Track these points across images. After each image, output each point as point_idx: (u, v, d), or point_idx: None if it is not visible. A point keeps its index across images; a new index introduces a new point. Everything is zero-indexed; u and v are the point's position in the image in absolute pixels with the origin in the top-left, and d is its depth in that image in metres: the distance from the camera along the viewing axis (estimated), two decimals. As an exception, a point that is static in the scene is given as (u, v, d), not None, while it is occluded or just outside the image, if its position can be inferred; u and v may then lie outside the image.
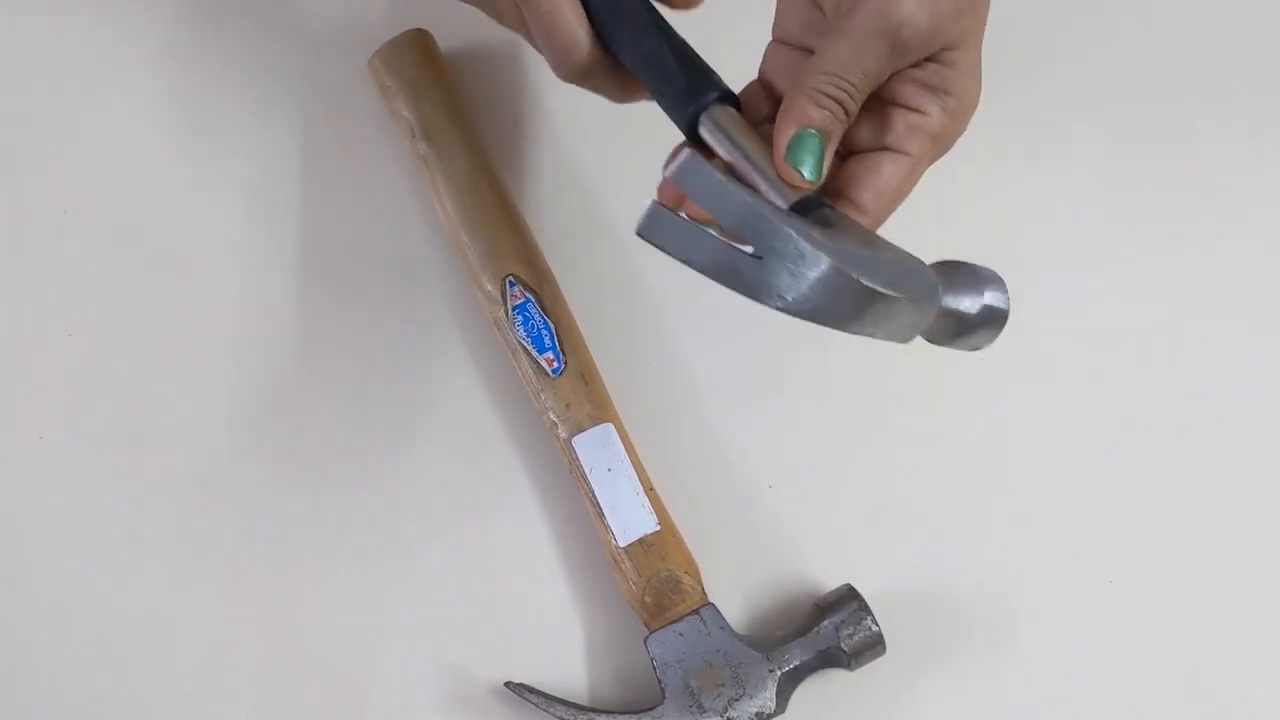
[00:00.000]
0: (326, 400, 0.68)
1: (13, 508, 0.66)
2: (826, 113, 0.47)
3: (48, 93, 0.73)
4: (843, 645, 0.61)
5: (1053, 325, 0.70)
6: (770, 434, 0.68)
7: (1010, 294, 0.48)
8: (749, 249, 0.42)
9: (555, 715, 0.61)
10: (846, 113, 0.48)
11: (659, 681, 0.61)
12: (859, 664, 0.62)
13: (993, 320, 0.48)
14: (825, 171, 0.47)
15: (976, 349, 0.49)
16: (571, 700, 0.62)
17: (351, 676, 0.64)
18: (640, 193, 0.71)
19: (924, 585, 0.66)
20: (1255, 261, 0.72)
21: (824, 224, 0.46)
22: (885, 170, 0.49)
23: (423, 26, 0.72)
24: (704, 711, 0.60)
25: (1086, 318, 0.71)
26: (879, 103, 0.51)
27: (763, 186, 0.48)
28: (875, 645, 0.61)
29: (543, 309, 0.66)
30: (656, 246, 0.43)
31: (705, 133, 0.50)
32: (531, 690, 0.62)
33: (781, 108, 0.48)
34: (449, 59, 0.73)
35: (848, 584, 0.64)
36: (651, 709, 0.61)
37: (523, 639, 0.65)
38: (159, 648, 0.64)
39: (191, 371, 0.69)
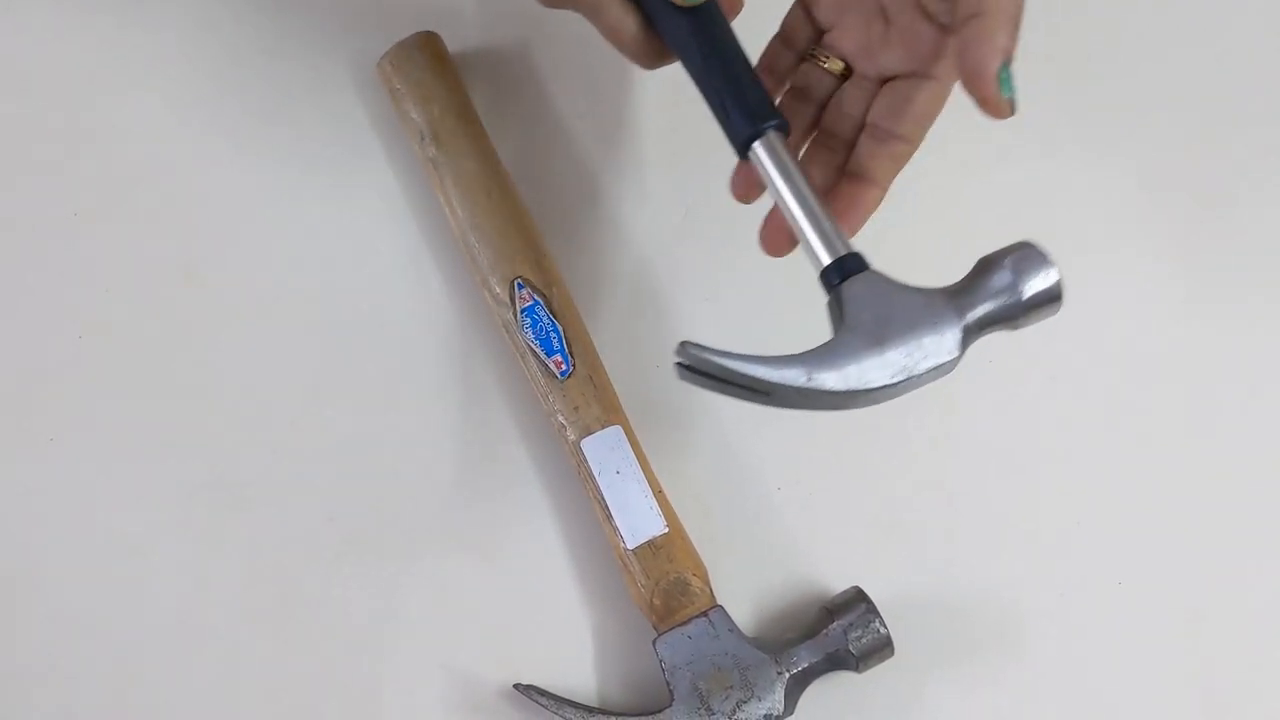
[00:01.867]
0: (334, 402, 0.69)
1: (24, 510, 0.67)
2: (1013, 42, 0.49)
3: (57, 95, 0.73)
4: (851, 648, 0.61)
5: (1062, 329, 0.70)
6: (779, 437, 0.68)
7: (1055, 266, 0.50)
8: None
9: (564, 717, 0.61)
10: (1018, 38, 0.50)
11: (667, 684, 0.61)
12: (867, 666, 0.62)
13: (1043, 304, 0.51)
14: None
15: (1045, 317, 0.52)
16: (580, 702, 0.62)
17: (361, 679, 0.64)
18: (648, 194, 0.72)
19: (933, 588, 0.66)
20: (1269, 266, 0.72)
21: (854, 296, 0.50)
22: (919, 99, 0.54)
23: (432, 29, 0.72)
24: (712, 714, 0.60)
25: (1096, 321, 0.71)
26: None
27: (808, 232, 0.52)
28: (884, 648, 0.62)
29: (551, 311, 0.66)
30: (693, 384, 0.49)
31: (758, 154, 0.53)
32: (540, 692, 0.62)
33: (977, 42, 0.49)
34: (458, 61, 0.73)
35: (856, 586, 0.64)
36: (660, 711, 0.61)
37: (531, 641, 0.65)
38: (171, 650, 0.65)
39: (202, 374, 0.69)
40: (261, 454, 0.68)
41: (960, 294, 0.51)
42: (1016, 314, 0.51)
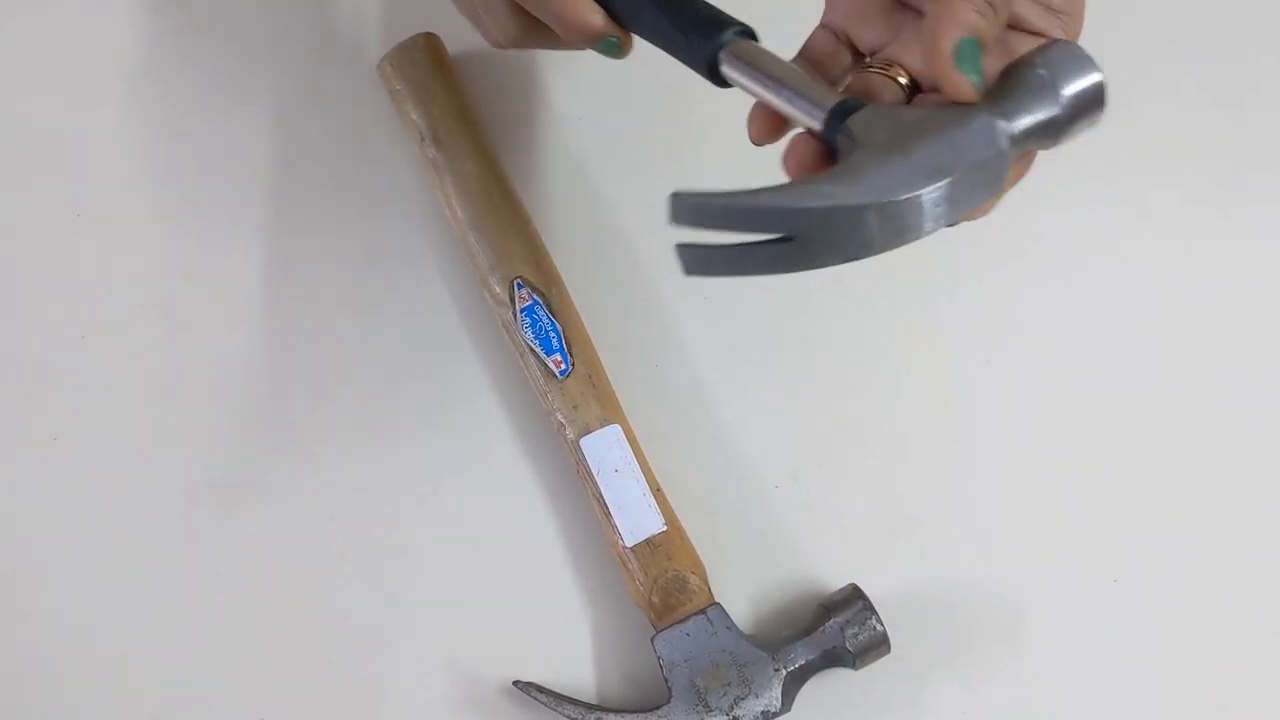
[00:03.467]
0: (337, 402, 0.69)
1: (26, 510, 0.67)
2: (982, 19, 0.46)
3: (59, 95, 0.74)
4: (848, 645, 0.61)
5: (1060, 325, 0.70)
6: (777, 435, 0.69)
7: (1097, 62, 0.44)
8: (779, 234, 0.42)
9: (563, 714, 0.62)
10: (999, 18, 0.47)
11: (665, 680, 0.61)
12: (864, 663, 0.62)
13: (1087, 108, 0.45)
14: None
15: (1093, 126, 0.46)
16: (579, 699, 0.63)
17: (362, 676, 0.65)
18: (647, 195, 0.72)
19: (929, 585, 0.66)
20: (1269, 262, 0.72)
21: (862, 124, 0.44)
22: None
23: (432, 30, 0.72)
24: (710, 710, 0.60)
25: (1094, 318, 0.71)
26: (1004, 30, 0.50)
27: (796, 104, 0.47)
28: (880, 645, 0.62)
29: (550, 311, 0.66)
30: (708, 276, 0.44)
31: (727, 69, 0.49)
32: (539, 689, 0.62)
33: (934, 17, 0.46)
34: (458, 62, 0.73)
35: (853, 584, 0.64)
36: (658, 708, 0.61)
37: (530, 638, 0.65)
38: (172, 648, 0.65)
39: (203, 374, 0.69)
40: (263, 454, 0.68)
41: (989, 97, 0.45)
42: (1059, 121, 0.44)
